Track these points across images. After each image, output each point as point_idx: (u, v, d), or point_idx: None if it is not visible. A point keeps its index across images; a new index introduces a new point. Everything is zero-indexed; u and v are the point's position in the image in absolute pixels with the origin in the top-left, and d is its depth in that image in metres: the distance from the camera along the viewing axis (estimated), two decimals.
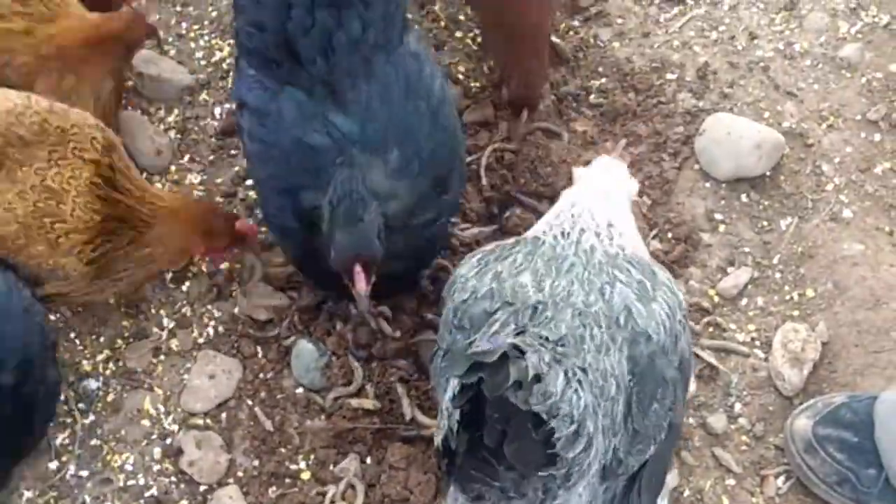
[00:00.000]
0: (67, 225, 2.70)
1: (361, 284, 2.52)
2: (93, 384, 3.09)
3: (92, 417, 3.06)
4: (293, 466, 2.97)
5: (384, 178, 2.61)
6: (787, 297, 3.20)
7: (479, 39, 3.64)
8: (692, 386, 2.99)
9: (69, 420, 3.05)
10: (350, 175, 2.54)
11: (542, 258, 2.41)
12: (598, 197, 2.59)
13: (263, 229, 3.18)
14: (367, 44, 2.62)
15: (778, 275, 3.24)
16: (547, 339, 2.16)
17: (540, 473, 2.04)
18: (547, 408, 1.95)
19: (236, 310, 3.16)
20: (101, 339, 3.16)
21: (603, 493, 2.29)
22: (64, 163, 2.70)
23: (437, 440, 2.11)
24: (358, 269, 2.51)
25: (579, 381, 2.07)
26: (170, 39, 3.62)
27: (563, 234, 2.47)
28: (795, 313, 3.17)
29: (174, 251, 2.96)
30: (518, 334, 2.15)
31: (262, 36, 2.63)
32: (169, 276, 3.23)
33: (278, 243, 3.11)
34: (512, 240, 2.57)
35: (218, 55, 3.62)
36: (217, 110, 3.51)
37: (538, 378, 1.94)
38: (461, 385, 1.94)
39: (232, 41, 3.46)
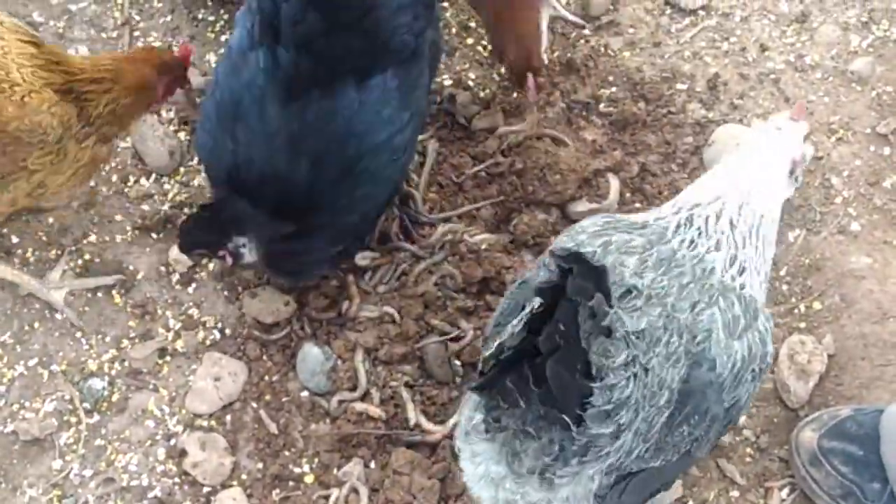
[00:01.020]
0: (25, 86, 2.71)
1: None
2: (98, 384, 3.09)
3: (96, 417, 3.06)
4: (297, 470, 2.96)
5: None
6: (794, 310, 3.20)
7: (489, 46, 3.64)
8: None
9: (73, 419, 3.05)
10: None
11: (657, 254, 2.33)
12: (757, 198, 2.45)
13: None
14: (341, 64, 2.68)
15: (785, 287, 3.24)
16: (623, 322, 2.11)
17: (564, 417, 2.02)
18: (601, 364, 1.94)
19: (243, 312, 3.16)
20: (107, 339, 3.16)
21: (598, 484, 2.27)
22: None
23: (491, 346, 2.11)
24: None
25: (635, 375, 2.06)
26: (181, 41, 3.63)
27: (691, 242, 2.37)
28: (802, 325, 3.17)
29: (139, 93, 2.99)
30: None
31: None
32: (176, 277, 3.24)
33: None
34: (644, 217, 2.48)
35: None
36: None
37: (609, 332, 1.92)
38: (555, 259, 1.94)
39: None
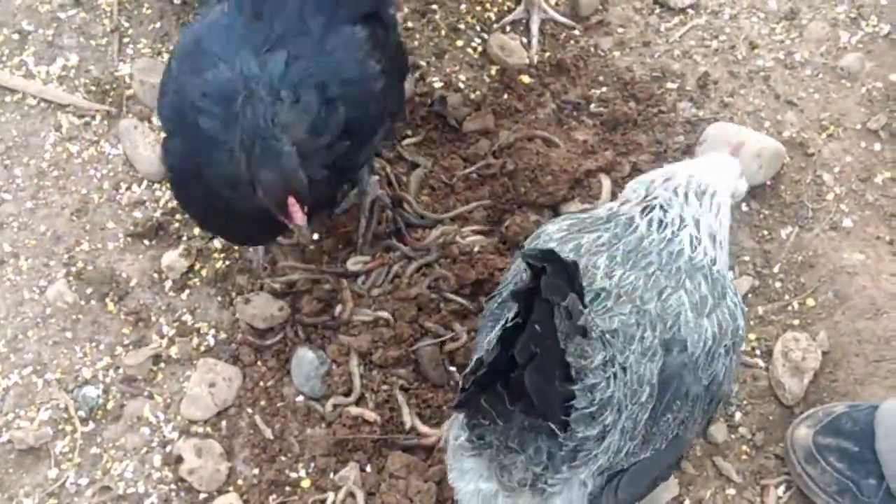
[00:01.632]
0: None
1: (299, 217, 2.52)
2: (92, 392, 3.09)
3: (91, 425, 3.06)
4: (293, 474, 2.96)
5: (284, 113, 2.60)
6: (788, 307, 3.20)
7: (479, 48, 3.64)
8: None
9: (69, 427, 3.05)
10: (255, 112, 2.53)
11: (625, 246, 2.38)
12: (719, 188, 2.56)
13: None
14: (309, 4, 2.70)
15: (778, 284, 3.24)
16: (595, 324, 2.09)
17: (549, 425, 2.02)
18: (579, 365, 1.93)
19: (237, 317, 3.16)
20: (101, 347, 3.16)
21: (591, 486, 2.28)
22: None
23: (472, 364, 2.10)
24: (292, 202, 2.50)
25: (615, 375, 2.06)
26: (170, 48, 3.63)
27: (660, 223, 2.43)
28: (796, 322, 3.17)
29: None
30: None
31: None
32: (169, 283, 3.23)
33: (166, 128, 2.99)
34: (609, 208, 2.52)
35: None
36: None
37: (584, 332, 1.91)
38: (527, 259, 1.91)
39: None
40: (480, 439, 2.17)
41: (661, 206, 2.48)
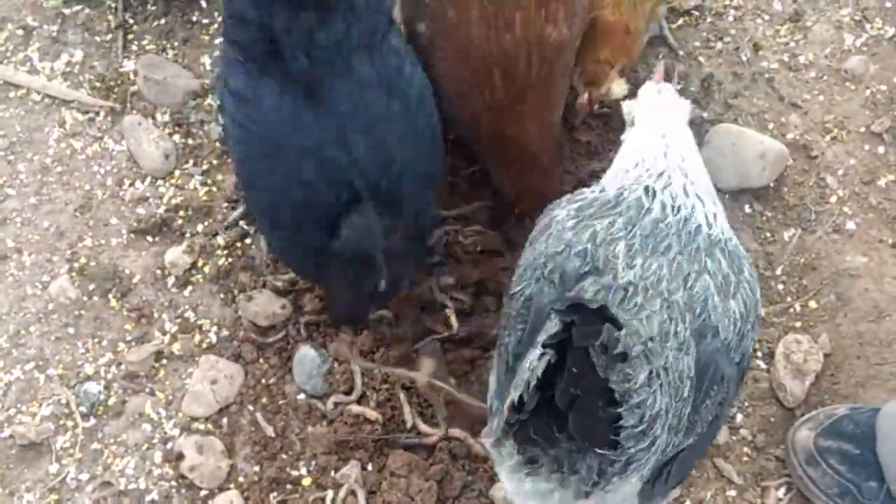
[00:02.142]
0: None
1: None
2: (94, 388, 3.09)
3: (93, 421, 3.06)
4: (294, 472, 2.97)
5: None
6: (790, 309, 3.20)
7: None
8: None
9: (70, 423, 3.05)
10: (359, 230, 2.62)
11: (641, 230, 2.30)
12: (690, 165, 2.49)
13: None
14: (350, 44, 2.63)
15: (780, 286, 3.24)
16: (638, 333, 2.07)
17: (597, 451, 2.01)
18: (623, 389, 1.91)
19: (239, 315, 3.16)
20: (103, 343, 3.16)
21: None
22: None
23: (513, 395, 2.06)
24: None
25: (660, 385, 2.04)
26: (175, 44, 3.63)
27: (673, 207, 2.35)
28: (798, 324, 3.17)
29: None
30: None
31: (246, 29, 2.62)
32: (172, 280, 3.23)
33: (258, 221, 3.10)
34: (614, 189, 2.43)
35: None
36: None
37: (624, 357, 1.89)
38: (560, 321, 1.90)
39: None
40: (534, 462, 2.15)
41: (665, 187, 2.41)
